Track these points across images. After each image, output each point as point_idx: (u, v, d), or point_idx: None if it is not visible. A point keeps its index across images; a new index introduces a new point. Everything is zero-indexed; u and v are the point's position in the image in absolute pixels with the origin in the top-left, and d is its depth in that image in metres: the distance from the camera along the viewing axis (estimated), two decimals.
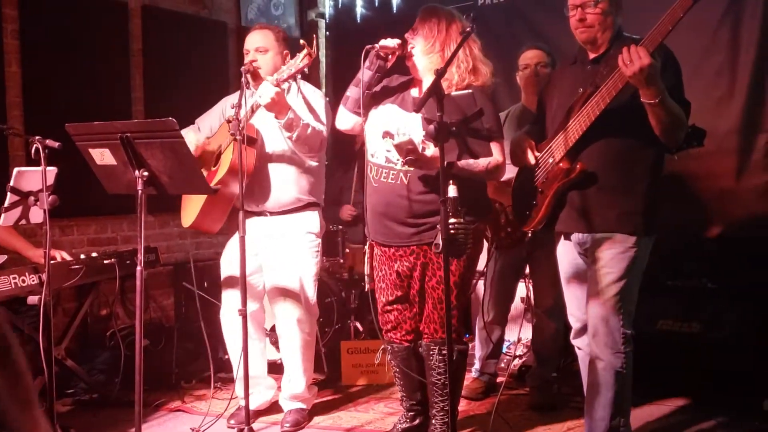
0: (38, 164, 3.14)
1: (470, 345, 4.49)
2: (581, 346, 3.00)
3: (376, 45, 2.96)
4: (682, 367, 3.89)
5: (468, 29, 2.61)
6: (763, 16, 4.24)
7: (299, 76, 3.29)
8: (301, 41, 3.23)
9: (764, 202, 4.25)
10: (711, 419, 3.46)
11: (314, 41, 3.14)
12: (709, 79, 4.37)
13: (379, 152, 3.07)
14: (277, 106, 3.27)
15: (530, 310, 4.46)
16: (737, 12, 4.32)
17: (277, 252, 3.59)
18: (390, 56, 2.99)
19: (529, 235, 2.99)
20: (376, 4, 5.96)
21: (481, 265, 3.59)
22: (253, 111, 3.39)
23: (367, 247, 3.30)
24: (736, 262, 4.15)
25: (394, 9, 5.81)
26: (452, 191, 2.62)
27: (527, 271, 3.96)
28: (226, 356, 4.26)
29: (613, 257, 2.75)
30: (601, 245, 2.76)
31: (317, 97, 3.59)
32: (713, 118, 4.28)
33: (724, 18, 4.36)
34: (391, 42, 2.95)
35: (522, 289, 4.11)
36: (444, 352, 3.03)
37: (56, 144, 3.17)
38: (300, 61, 3.21)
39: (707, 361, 3.82)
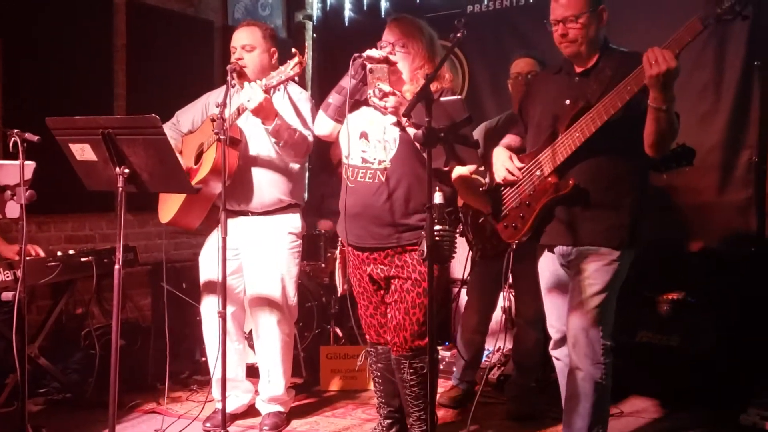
0: (16, 158, 3.07)
1: (450, 353, 4.50)
2: (560, 356, 2.99)
3: (363, 54, 2.93)
4: (660, 378, 3.91)
5: (458, 35, 2.58)
6: (749, 34, 4.27)
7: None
8: (293, 50, 3.20)
9: (745, 217, 4.27)
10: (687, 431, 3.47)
11: (305, 49, 3.10)
12: (694, 96, 4.39)
13: (355, 153, 3.05)
14: (264, 112, 3.24)
15: (510, 320, 4.46)
16: (723, 29, 4.34)
17: (258, 252, 3.56)
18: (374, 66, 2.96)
19: (514, 246, 2.97)
20: (365, 7, 5.94)
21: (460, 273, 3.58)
22: (239, 113, 3.36)
23: (338, 252, 3.27)
24: (717, 277, 4.17)
25: (383, 13, 5.80)
26: (438, 198, 2.60)
27: (510, 281, 3.94)
28: (203, 359, 4.23)
29: (598, 269, 2.75)
30: (586, 257, 2.76)
31: (303, 100, 3.56)
32: (697, 133, 4.30)
33: (710, 35, 4.38)
34: (377, 53, 2.93)
35: (502, 300, 4.10)
36: (415, 365, 3.03)
37: (35, 138, 3.10)
38: (290, 69, 3.19)
39: (685, 374, 3.85)
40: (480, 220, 3.74)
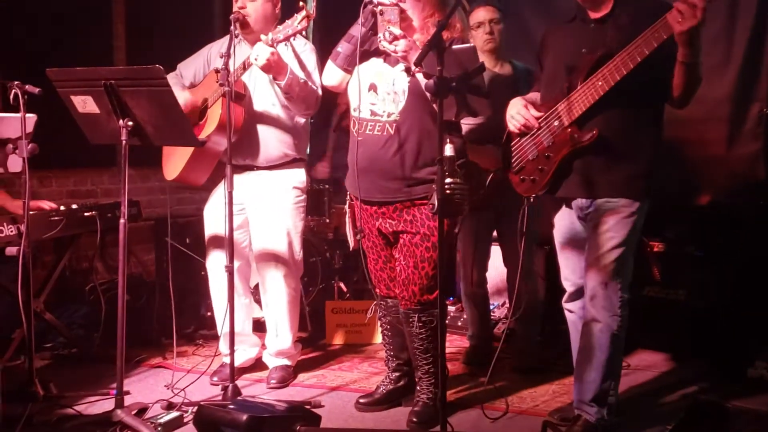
0: (17, 110, 3.02)
1: (455, 308, 4.50)
2: (573, 309, 2.98)
3: (374, 0, 2.85)
4: (667, 332, 3.92)
5: None
6: None
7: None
8: (300, 2, 3.12)
9: (754, 171, 4.24)
10: (695, 385, 3.47)
11: (313, 3, 3.02)
12: (705, 46, 4.26)
13: (364, 106, 3.00)
14: (276, 68, 3.18)
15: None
16: None
17: (264, 207, 3.53)
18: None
19: (532, 200, 2.90)
20: None
21: None
22: (244, 68, 3.29)
23: (347, 206, 3.24)
24: (723, 230, 4.14)
25: None
26: (449, 150, 2.55)
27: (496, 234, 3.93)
28: (209, 313, 4.22)
29: (618, 222, 2.72)
30: (606, 211, 2.73)
31: (308, 52, 3.49)
32: (707, 85, 4.13)
33: None
34: None
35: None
36: (423, 318, 3.02)
37: (36, 90, 3.05)
38: (298, 23, 3.11)
39: (692, 328, 3.85)
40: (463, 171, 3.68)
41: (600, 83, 2.61)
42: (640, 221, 2.75)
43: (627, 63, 2.54)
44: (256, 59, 3.16)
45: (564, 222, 2.93)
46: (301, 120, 3.56)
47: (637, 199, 2.72)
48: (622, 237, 2.72)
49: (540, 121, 2.82)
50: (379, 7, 2.78)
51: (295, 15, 3.13)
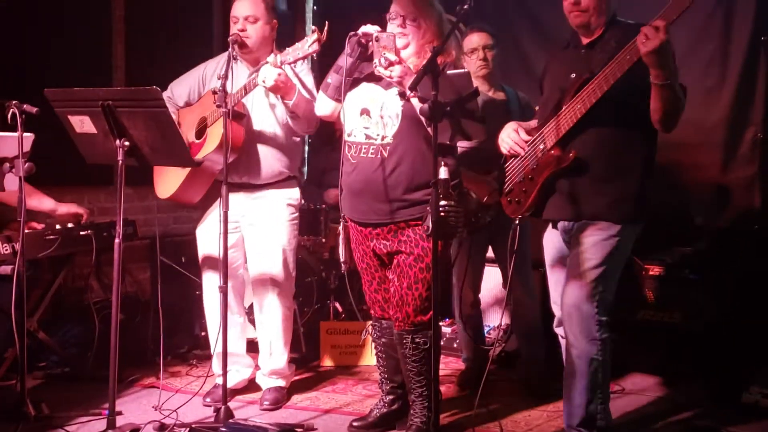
0: (14, 130, 3.02)
1: (450, 329, 4.49)
2: (563, 334, 2.98)
3: (359, 32, 2.88)
4: (661, 356, 3.91)
5: (465, 6, 2.52)
6: (756, 8, 4.22)
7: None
8: (313, 27, 3.13)
9: (749, 195, 4.26)
10: (689, 409, 3.46)
11: (325, 27, 3.03)
12: (699, 69, 4.35)
13: (357, 130, 3.02)
14: (284, 88, 3.21)
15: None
16: (730, 2, 4.30)
17: (259, 225, 3.55)
18: (371, 42, 2.91)
19: (517, 222, 2.92)
20: None
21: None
22: (246, 91, 3.31)
23: (341, 227, 3.24)
24: (719, 254, 4.15)
25: None
26: (443, 173, 2.56)
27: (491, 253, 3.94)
28: (203, 333, 4.21)
29: (595, 244, 2.72)
30: (584, 230, 2.74)
31: (306, 72, 3.51)
32: (702, 109, 4.28)
33: (717, 5, 4.34)
34: (373, 29, 2.87)
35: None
36: (417, 340, 3.01)
37: (34, 109, 3.06)
38: (309, 46, 3.08)
39: (686, 352, 3.84)
40: (460, 192, 3.70)
41: (579, 106, 2.65)
42: (624, 243, 2.74)
43: (602, 86, 2.58)
44: (264, 81, 3.17)
45: (551, 244, 2.95)
46: (297, 138, 3.59)
47: (618, 221, 2.72)
48: (600, 258, 2.71)
49: (528, 143, 2.86)
50: (375, 34, 2.81)
51: (306, 38, 3.11)
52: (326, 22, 3.03)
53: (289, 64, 3.18)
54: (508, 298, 3.96)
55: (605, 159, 2.71)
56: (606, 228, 2.72)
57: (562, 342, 3.01)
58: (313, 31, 3.09)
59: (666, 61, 2.44)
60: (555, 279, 2.98)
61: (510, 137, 2.90)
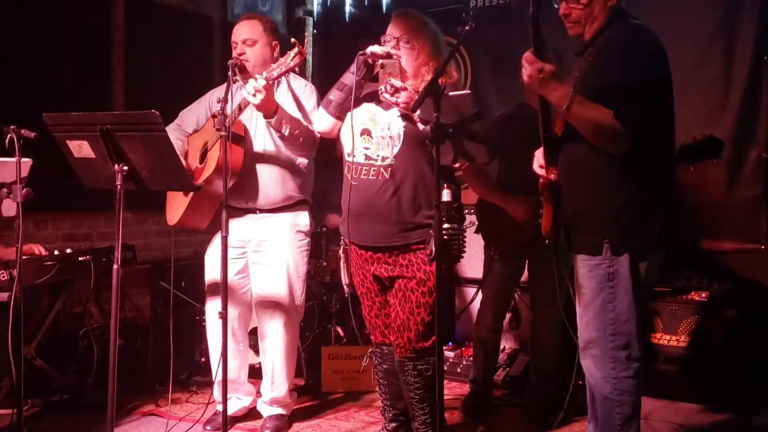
0: (12, 155, 3.00)
1: (453, 353, 4.44)
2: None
3: (367, 51, 2.87)
4: (670, 379, 3.84)
5: (466, 28, 2.50)
6: (758, 29, 4.21)
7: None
8: (292, 39, 3.13)
9: (755, 215, 4.21)
10: None
11: (305, 39, 3.03)
12: (702, 91, 4.33)
13: (358, 151, 2.98)
14: (267, 105, 3.17)
15: (516, 320, 4.39)
16: (732, 23, 4.29)
17: (266, 251, 3.49)
18: (377, 63, 2.90)
19: (546, 242, 2.75)
20: (365, 2, 5.86)
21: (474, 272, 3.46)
22: (240, 109, 3.29)
23: (341, 251, 3.19)
24: (726, 276, 4.11)
25: (384, 8, 5.72)
26: (446, 195, 2.53)
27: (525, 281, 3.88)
28: (203, 359, 4.15)
29: (585, 277, 2.55)
30: (578, 263, 2.59)
31: (308, 93, 3.48)
32: (706, 129, 4.17)
33: (718, 29, 4.33)
34: (380, 49, 2.86)
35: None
36: (419, 367, 2.96)
37: (32, 134, 3.04)
38: (290, 60, 3.11)
39: (695, 375, 3.78)
40: (496, 216, 3.65)
41: (558, 124, 2.56)
42: (619, 274, 2.49)
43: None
44: (254, 95, 3.14)
45: (576, 272, 2.72)
46: (304, 161, 3.52)
47: (602, 253, 2.49)
48: (596, 293, 2.51)
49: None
50: (380, 61, 2.79)
51: (288, 52, 3.13)
52: (305, 35, 3.03)
53: (274, 79, 3.16)
54: (514, 322, 3.90)
55: (581, 184, 2.52)
56: (596, 259, 2.50)
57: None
58: (293, 45, 3.09)
59: (546, 88, 2.35)
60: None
61: (536, 159, 2.71)
